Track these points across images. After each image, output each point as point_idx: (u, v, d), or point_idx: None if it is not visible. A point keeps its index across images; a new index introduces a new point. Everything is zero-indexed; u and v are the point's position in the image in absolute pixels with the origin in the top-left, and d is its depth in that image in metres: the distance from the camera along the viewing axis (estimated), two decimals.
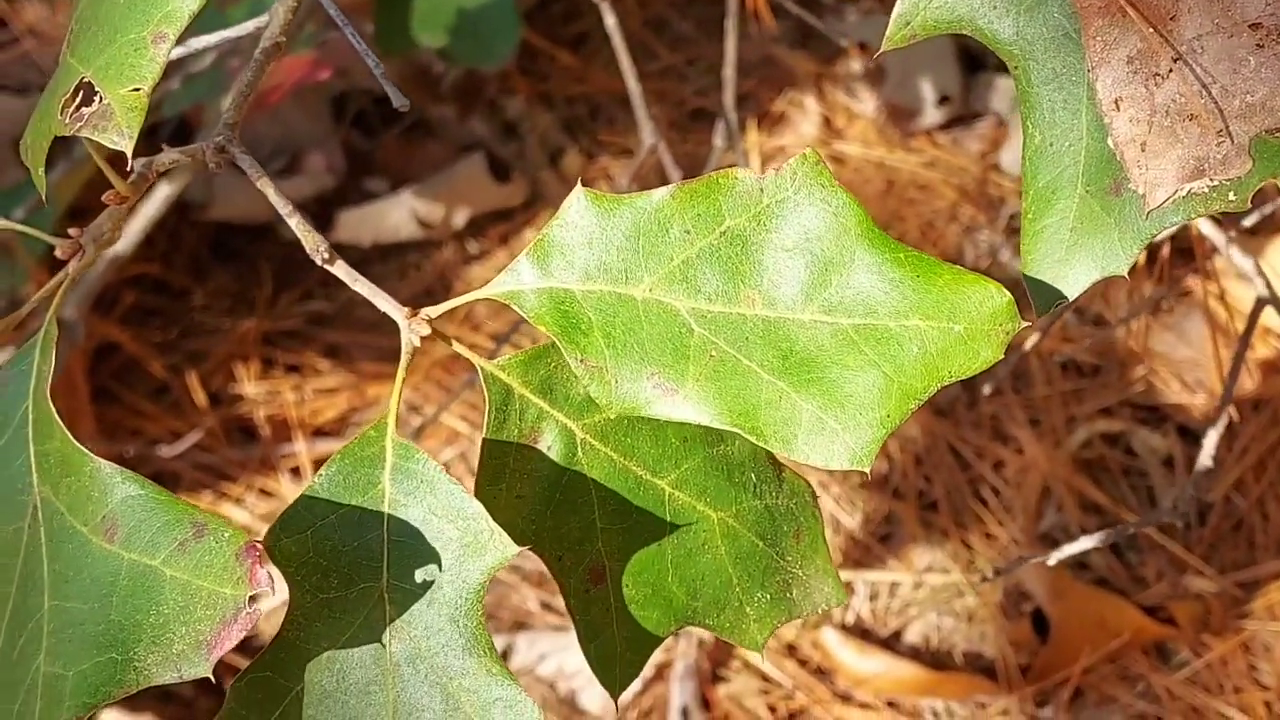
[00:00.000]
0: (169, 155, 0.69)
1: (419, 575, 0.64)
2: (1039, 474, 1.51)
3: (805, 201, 0.65)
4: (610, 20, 1.19)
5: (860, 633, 1.46)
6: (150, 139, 1.62)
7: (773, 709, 1.42)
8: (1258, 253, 1.50)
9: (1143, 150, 0.68)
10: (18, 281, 1.38)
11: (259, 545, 0.59)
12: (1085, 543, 0.99)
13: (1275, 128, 0.66)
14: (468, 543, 0.64)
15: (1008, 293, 0.64)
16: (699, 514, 0.71)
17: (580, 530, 0.70)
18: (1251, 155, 0.66)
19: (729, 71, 1.27)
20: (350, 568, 0.64)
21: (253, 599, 0.58)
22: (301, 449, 1.52)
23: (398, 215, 1.61)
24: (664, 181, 1.30)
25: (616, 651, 0.71)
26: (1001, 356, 0.64)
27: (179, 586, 0.59)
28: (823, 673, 1.44)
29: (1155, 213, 0.68)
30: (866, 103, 1.74)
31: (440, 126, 1.70)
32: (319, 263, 0.68)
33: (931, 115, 1.72)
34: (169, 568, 0.59)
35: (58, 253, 0.66)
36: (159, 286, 1.60)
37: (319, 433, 1.54)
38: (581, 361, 0.65)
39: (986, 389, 1.14)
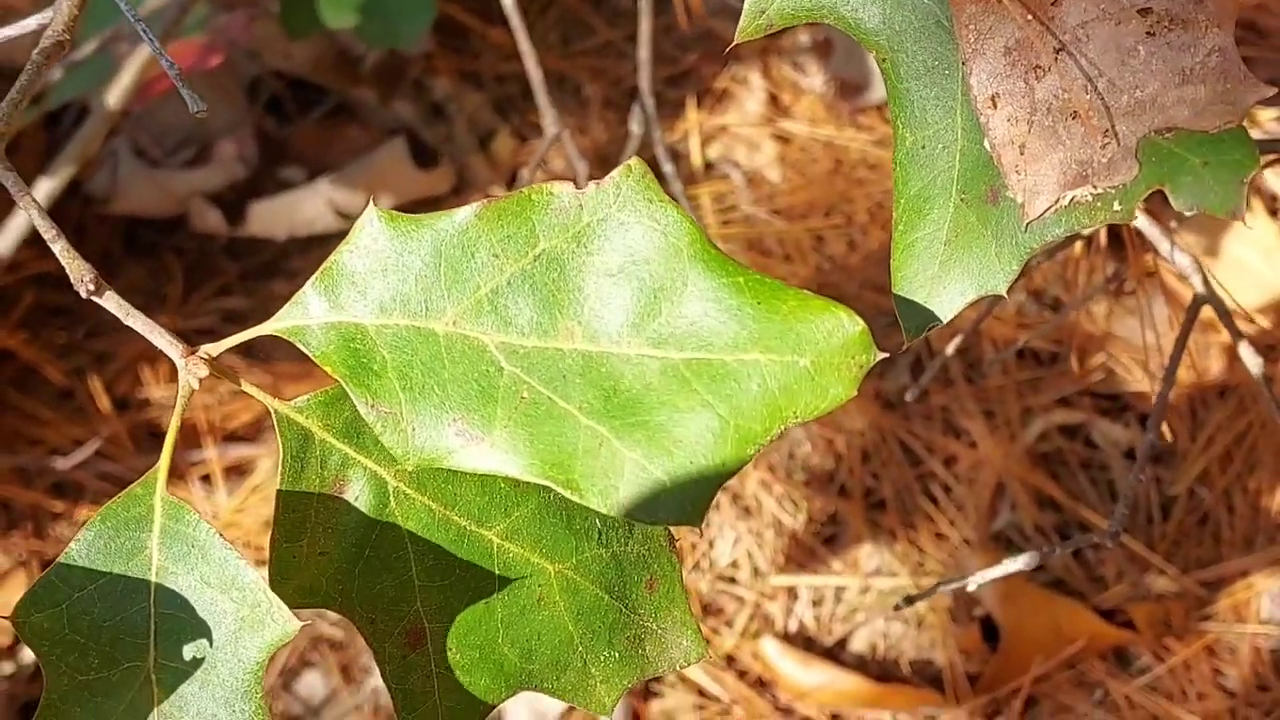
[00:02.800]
0: None
1: (188, 652, 0.56)
2: (992, 469, 1.43)
3: (631, 219, 0.57)
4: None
5: (803, 641, 1.38)
6: (51, 129, 1.54)
7: None
8: (1217, 235, 1.42)
9: (1021, 153, 0.60)
10: None
11: None
12: (1017, 563, 0.92)
13: (1165, 127, 0.57)
14: (244, 616, 0.56)
15: (861, 321, 0.56)
16: (533, 566, 0.64)
17: (395, 589, 0.62)
18: (1138, 158, 0.58)
19: (643, 52, 1.18)
20: (112, 645, 0.57)
21: None
22: (213, 455, 1.44)
23: (314, 206, 1.52)
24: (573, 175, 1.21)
25: None
26: (854, 394, 0.56)
27: None
28: (763, 685, 1.37)
29: (1035, 224, 0.60)
30: (814, 77, 1.66)
31: (361, 110, 1.61)
32: (84, 295, 0.60)
33: (882, 90, 1.63)
34: None
35: None
36: (62, 284, 1.51)
37: (232, 438, 1.46)
38: (372, 407, 0.57)
39: (911, 393, 1.06)
